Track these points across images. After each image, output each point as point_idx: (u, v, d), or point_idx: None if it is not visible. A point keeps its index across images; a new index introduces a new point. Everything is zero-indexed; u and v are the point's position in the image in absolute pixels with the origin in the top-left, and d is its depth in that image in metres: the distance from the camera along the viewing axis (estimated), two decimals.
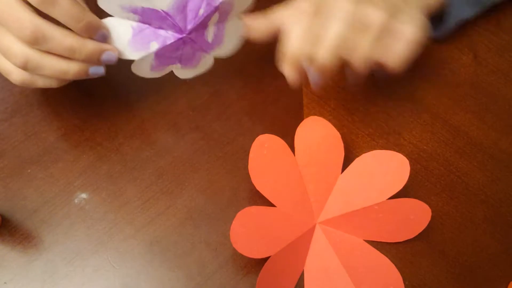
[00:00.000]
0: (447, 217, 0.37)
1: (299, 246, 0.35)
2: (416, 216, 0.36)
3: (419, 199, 0.38)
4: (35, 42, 0.30)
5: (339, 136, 0.37)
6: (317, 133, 0.37)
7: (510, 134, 0.41)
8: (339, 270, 0.35)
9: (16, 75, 0.32)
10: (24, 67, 0.31)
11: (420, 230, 0.36)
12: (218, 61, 0.39)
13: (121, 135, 0.38)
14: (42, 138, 0.37)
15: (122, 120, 0.39)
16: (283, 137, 0.37)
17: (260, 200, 0.36)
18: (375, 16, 0.34)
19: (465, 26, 0.45)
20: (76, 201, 0.36)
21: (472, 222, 0.37)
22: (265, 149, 0.36)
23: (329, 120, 0.40)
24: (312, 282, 0.34)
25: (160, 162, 0.38)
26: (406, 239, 0.36)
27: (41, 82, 0.33)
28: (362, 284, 0.34)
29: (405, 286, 0.35)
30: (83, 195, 0.36)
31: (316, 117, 0.38)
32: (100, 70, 0.33)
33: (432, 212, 0.37)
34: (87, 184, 0.36)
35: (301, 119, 0.39)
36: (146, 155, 0.38)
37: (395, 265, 0.35)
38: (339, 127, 0.40)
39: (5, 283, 0.32)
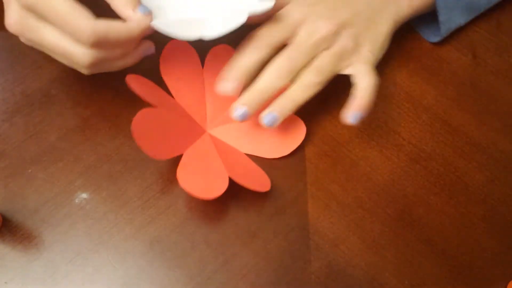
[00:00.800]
0: (447, 217, 0.37)
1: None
2: (292, 131, 0.39)
3: (418, 198, 0.38)
4: (97, 45, 0.31)
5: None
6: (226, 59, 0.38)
7: (509, 134, 0.41)
8: (216, 160, 0.36)
9: (85, 70, 0.34)
10: (91, 66, 0.33)
11: (296, 146, 0.39)
12: None
13: (122, 135, 0.38)
14: (43, 138, 0.38)
15: (123, 120, 0.39)
16: None
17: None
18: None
19: (464, 27, 0.45)
20: (76, 201, 0.36)
21: (472, 221, 0.37)
22: (179, 54, 0.38)
23: (328, 120, 0.40)
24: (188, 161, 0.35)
25: (160, 162, 0.38)
26: (282, 155, 0.38)
27: (108, 66, 0.34)
28: (234, 173, 0.35)
29: (405, 286, 0.35)
30: (84, 195, 0.36)
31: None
32: (151, 50, 0.36)
33: (431, 212, 0.37)
34: (88, 184, 0.36)
35: (301, 118, 0.39)
36: (147, 155, 0.38)
37: (394, 265, 0.35)
38: (338, 128, 0.40)
39: (5, 282, 0.33)
